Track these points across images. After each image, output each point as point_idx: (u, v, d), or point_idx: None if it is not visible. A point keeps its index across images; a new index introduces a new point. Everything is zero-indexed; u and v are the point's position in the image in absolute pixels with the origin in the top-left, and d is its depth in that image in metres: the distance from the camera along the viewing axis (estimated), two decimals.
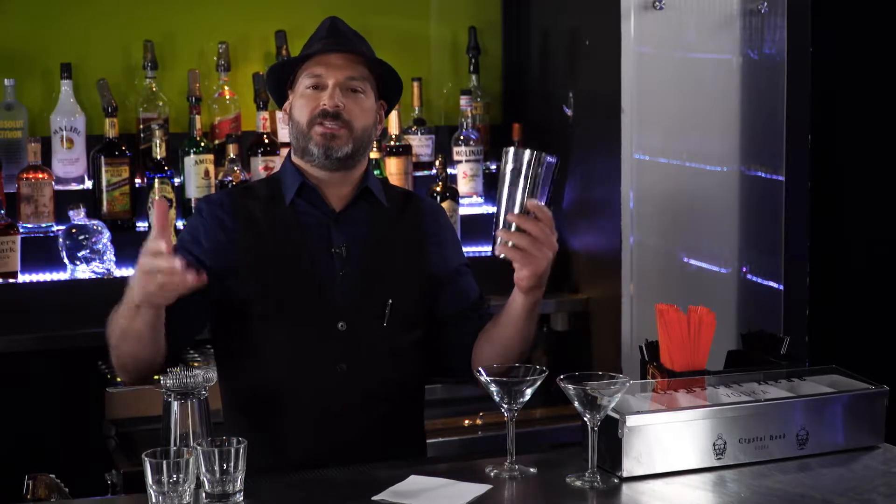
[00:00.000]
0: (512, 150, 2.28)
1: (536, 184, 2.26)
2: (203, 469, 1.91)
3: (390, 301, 2.43)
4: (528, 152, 2.26)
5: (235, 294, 2.43)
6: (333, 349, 2.42)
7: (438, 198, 3.64)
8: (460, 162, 3.80)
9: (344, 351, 2.42)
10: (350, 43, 2.51)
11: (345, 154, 2.47)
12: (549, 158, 2.27)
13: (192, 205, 3.45)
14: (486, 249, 3.76)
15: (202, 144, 3.48)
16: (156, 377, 3.07)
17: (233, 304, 2.44)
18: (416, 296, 2.51)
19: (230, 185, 3.47)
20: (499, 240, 2.27)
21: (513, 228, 2.26)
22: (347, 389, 2.41)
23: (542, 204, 2.27)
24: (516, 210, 2.25)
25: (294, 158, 2.54)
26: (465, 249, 3.69)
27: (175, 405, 2.01)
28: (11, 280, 3.25)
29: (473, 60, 3.92)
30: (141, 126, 3.55)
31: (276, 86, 2.59)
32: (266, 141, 3.55)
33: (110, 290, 3.26)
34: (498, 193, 2.27)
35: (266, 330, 2.42)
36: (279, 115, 3.62)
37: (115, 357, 2.37)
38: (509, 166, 2.26)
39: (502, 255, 2.27)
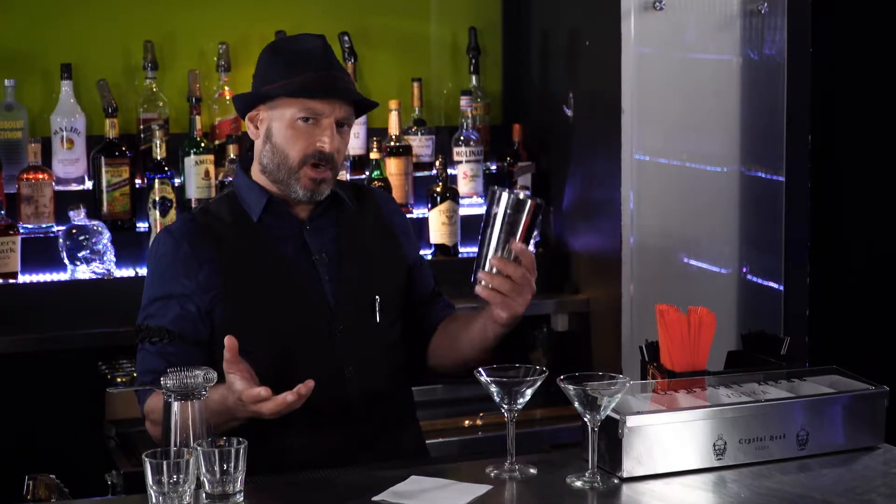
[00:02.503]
0: (498, 192, 2.28)
1: (520, 227, 2.27)
2: (203, 469, 1.91)
3: (378, 297, 2.44)
4: (513, 196, 2.27)
5: (228, 322, 2.37)
6: (338, 354, 2.41)
7: (439, 198, 3.64)
8: (460, 162, 3.80)
9: (348, 354, 2.41)
10: (346, 80, 2.45)
11: (326, 195, 2.46)
12: (533, 202, 2.27)
13: (192, 206, 3.45)
14: None
15: (202, 145, 3.49)
16: None
17: (226, 330, 2.32)
18: (397, 288, 2.53)
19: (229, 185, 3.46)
20: (481, 282, 2.28)
21: (494, 271, 2.27)
22: (357, 391, 2.41)
23: (526, 247, 2.28)
24: (498, 253, 2.26)
25: (257, 175, 2.47)
26: (465, 250, 3.72)
27: (175, 406, 2.01)
28: (11, 280, 3.25)
29: (473, 61, 3.92)
30: (141, 126, 3.55)
31: (248, 99, 2.48)
32: None
33: (110, 290, 3.30)
34: (482, 233, 2.29)
35: (267, 351, 2.37)
36: None
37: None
38: (495, 208, 2.27)
39: (482, 296, 2.30)
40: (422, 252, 2.72)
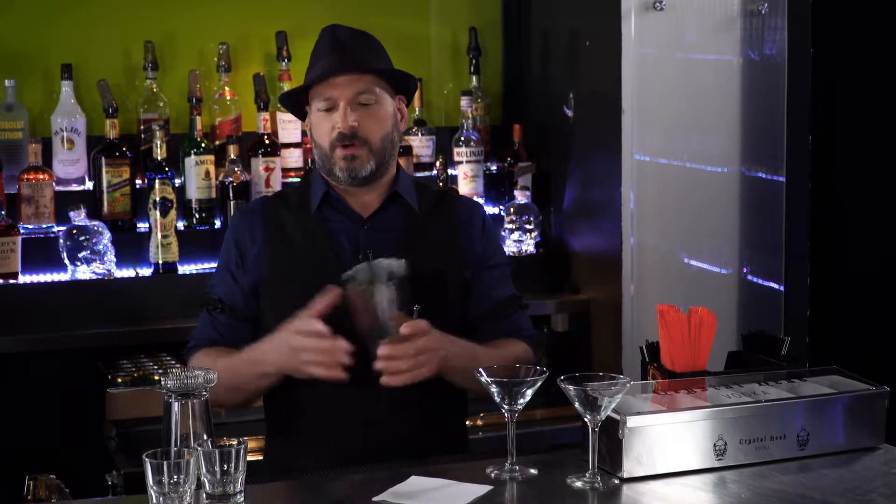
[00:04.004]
0: (351, 272, 2.33)
1: (388, 294, 2.31)
2: (203, 470, 1.91)
3: (417, 306, 2.39)
4: (364, 267, 2.32)
5: (268, 305, 2.47)
6: (364, 357, 2.40)
7: None
8: (461, 163, 3.80)
9: (373, 358, 2.40)
10: (353, 57, 2.49)
11: (369, 172, 2.48)
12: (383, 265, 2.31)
13: (193, 206, 3.46)
14: None
15: (203, 145, 3.49)
16: (156, 377, 3.09)
17: (267, 314, 2.46)
18: (447, 300, 2.49)
19: (229, 185, 3.47)
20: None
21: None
22: (380, 396, 2.39)
23: (409, 321, 2.30)
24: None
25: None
26: None
27: (176, 406, 2.01)
28: (12, 281, 3.25)
29: (474, 61, 3.92)
30: (141, 127, 3.55)
31: (293, 105, 2.60)
32: (267, 142, 3.55)
33: (111, 290, 3.30)
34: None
35: None
36: (280, 116, 3.62)
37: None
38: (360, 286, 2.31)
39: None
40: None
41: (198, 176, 3.46)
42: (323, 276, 2.43)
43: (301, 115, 2.61)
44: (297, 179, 3.57)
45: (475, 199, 3.80)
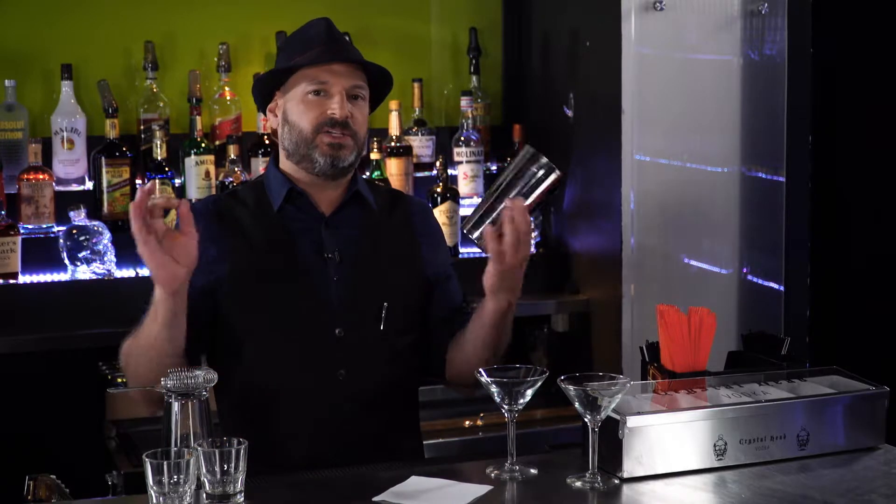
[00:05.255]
0: (533, 151, 2.30)
1: (536, 192, 2.28)
2: (204, 470, 1.91)
3: (385, 304, 2.42)
4: (546, 162, 2.29)
5: (229, 305, 2.41)
6: (332, 356, 2.40)
7: (439, 199, 3.64)
8: (461, 163, 3.80)
9: (343, 357, 2.40)
10: (351, 50, 2.51)
11: (349, 163, 2.46)
12: (556, 173, 2.30)
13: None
14: None
15: (203, 145, 3.49)
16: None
17: (227, 315, 2.42)
18: (411, 297, 2.50)
19: (231, 186, 3.47)
20: (480, 230, 2.29)
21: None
22: (347, 395, 2.40)
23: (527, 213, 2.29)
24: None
25: (283, 164, 2.51)
26: (464, 250, 3.73)
27: (175, 406, 2.01)
28: (12, 281, 3.25)
29: (474, 61, 3.92)
30: (141, 127, 3.55)
31: (263, 87, 2.55)
32: (267, 142, 3.55)
33: (111, 290, 3.30)
34: (499, 181, 2.30)
35: (262, 340, 2.40)
36: None
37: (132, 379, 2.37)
38: (525, 164, 2.29)
39: (478, 241, 2.31)
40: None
41: (198, 176, 3.46)
42: (287, 275, 2.42)
43: (265, 104, 2.55)
44: None
45: (476, 198, 3.81)
